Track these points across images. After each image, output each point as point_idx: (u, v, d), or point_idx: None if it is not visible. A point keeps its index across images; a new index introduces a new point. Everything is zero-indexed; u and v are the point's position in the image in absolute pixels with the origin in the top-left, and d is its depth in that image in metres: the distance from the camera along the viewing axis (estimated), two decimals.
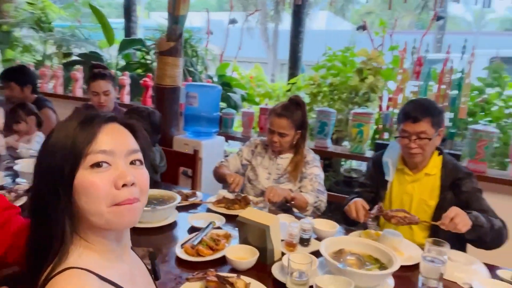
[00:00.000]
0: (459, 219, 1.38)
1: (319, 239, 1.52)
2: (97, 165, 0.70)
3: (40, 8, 5.71)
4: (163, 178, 2.33)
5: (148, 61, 4.62)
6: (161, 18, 4.58)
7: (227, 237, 1.46)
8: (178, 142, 3.00)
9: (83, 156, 0.70)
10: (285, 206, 1.93)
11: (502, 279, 1.32)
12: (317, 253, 1.38)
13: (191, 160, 2.47)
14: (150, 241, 1.46)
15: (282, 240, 1.42)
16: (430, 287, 1.16)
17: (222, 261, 1.33)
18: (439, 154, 1.71)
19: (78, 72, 4.16)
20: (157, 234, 1.56)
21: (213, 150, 2.97)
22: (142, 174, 0.75)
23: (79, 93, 4.11)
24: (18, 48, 5.69)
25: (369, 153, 2.96)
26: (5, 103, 2.91)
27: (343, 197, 2.00)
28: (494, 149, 2.73)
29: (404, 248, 1.44)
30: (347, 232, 1.63)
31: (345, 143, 3.71)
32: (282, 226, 1.41)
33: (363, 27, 4.59)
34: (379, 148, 2.83)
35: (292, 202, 1.85)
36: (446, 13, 9.64)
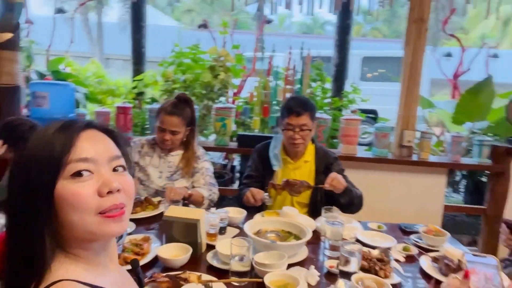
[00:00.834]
0: (338, 179, 1.76)
1: (230, 225, 1.64)
2: (79, 174, 0.67)
3: None
4: None
5: None
6: None
7: (147, 240, 1.43)
8: None
9: (62, 166, 0.66)
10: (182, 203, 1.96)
11: (371, 229, 1.74)
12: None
13: None
14: None
15: None
16: (336, 246, 1.44)
17: (152, 264, 1.31)
18: (312, 143, 2.05)
19: None
20: None
21: None
22: (127, 180, 0.73)
23: None
24: None
25: (233, 145, 3.20)
26: None
27: None
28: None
29: (301, 220, 1.70)
30: (251, 216, 1.80)
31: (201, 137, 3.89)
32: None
33: (204, 26, 4.82)
34: (243, 139, 3.12)
35: (190, 199, 1.90)
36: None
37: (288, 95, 3.23)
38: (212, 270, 1.31)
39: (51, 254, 0.67)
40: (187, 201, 1.91)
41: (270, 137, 3.09)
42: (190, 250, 1.31)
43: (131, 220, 1.64)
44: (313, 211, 1.96)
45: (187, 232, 1.35)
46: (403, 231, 1.78)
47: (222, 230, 1.55)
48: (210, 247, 1.44)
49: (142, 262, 1.28)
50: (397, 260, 1.46)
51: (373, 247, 1.49)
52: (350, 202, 1.85)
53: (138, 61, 4.63)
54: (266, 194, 1.84)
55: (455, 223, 3.99)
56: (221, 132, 3.12)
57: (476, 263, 0.97)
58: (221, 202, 2.30)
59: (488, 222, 3.19)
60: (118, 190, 0.69)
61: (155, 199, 1.85)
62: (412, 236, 1.68)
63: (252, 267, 1.25)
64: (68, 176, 0.66)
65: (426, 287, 1.27)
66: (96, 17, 10.19)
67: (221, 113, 3.10)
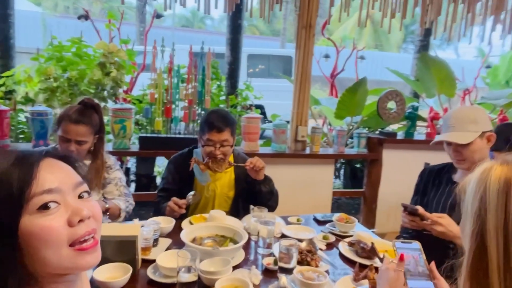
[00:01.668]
0: (258, 159, 1.85)
1: (160, 236, 1.59)
2: (45, 207, 0.64)
3: None
4: None
5: None
6: None
7: None
8: None
9: (25, 201, 0.63)
10: None
11: (291, 223, 1.89)
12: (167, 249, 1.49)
13: None
14: None
15: None
16: (270, 243, 1.54)
17: None
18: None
19: None
20: None
21: None
22: (94, 205, 0.72)
23: None
24: None
25: (134, 147, 3.04)
26: None
27: None
28: None
29: (228, 221, 1.75)
30: (178, 223, 1.76)
31: None
32: None
33: (85, 17, 4.38)
34: (144, 141, 2.99)
35: (108, 213, 1.76)
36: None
37: (187, 92, 3.20)
38: (154, 285, 1.27)
39: None
40: (104, 215, 1.77)
41: (174, 139, 3.07)
42: (129, 269, 1.24)
43: None
44: (233, 208, 2.02)
45: (124, 250, 1.27)
46: (318, 221, 1.98)
47: (154, 242, 1.50)
48: (145, 262, 1.38)
49: None
50: (320, 249, 1.62)
51: (300, 240, 1.63)
52: (270, 191, 1.95)
53: (6, 55, 3.99)
54: (190, 193, 1.82)
55: (338, 205, 4.53)
56: (121, 134, 2.94)
57: (404, 248, 1.16)
58: None
59: (366, 202, 3.72)
60: (89, 217, 0.68)
61: None
62: (327, 225, 1.88)
63: (199, 277, 1.25)
64: (34, 211, 0.63)
65: (350, 270, 1.46)
66: None
67: (119, 114, 2.91)
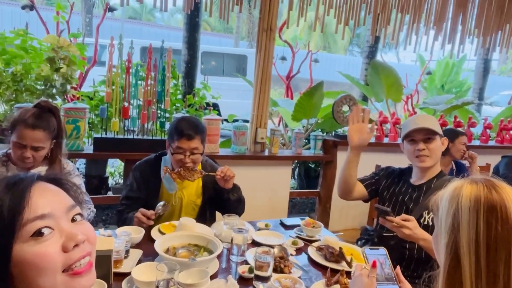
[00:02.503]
0: (228, 172, 1.85)
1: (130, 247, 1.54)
2: (39, 233, 0.63)
3: None
4: None
5: None
6: None
7: None
8: None
9: (18, 229, 0.61)
10: None
11: (260, 228, 1.92)
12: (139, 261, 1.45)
13: None
14: None
15: None
16: (244, 250, 1.55)
17: None
18: None
19: None
20: None
21: None
22: (88, 228, 0.72)
23: None
24: None
25: (89, 149, 2.90)
26: None
27: None
28: None
29: (198, 229, 1.74)
30: (147, 232, 1.71)
31: None
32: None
33: (30, 7, 4.07)
34: (100, 143, 2.86)
35: None
36: None
37: (145, 90, 3.09)
38: None
39: None
40: None
41: (131, 140, 2.96)
42: (104, 285, 1.19)
43: None
44: (201, 215, 2.01)
45: (98, 265, 1.20)
46: (285, 226, 2.03)
47: (125, 254, 1.45)
48: (116, 275, 1.33)
49: None
50: (291, 254, 1.67)
51: (271, 246, 1.66)
52: (238, 199, 1.96)
53: None
54: (160, 204, 1.78)
55: (293, 205, 4.65)
56: (74, 135, 2.78)
57: (373, 254, 1.24)
58: None
59: (321, 202, 3.86)
60: (84, 241, 0.68)
61: None
62: (294, 230, 1.93)
63: None
64: (27, 238, 0.62)
65: (321, 275, 1.52)
66: None
67: (72, 114, 2.76)
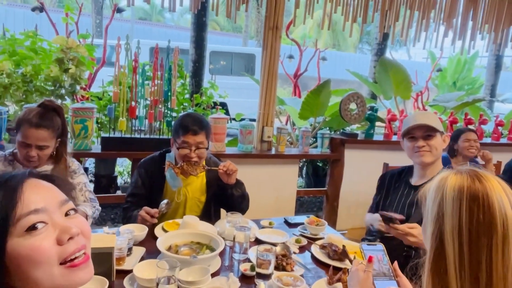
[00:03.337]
0: (231, 166, 1.85)
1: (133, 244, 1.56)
2: (33, 227, 0.64)
3: None
4: None
5: None
6: None
7: None
8: None
9: (11, 224, 0.62)
10: None
11: (264, 226, 1.92)
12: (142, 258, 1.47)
13: None
14: None
15: None
16: (246, 248, 1.55)
17: None
18: None
19: None
20: None
21: None
22: (82, 222, 0.72)
23: None
24: None
25: (96, 148, 2.93)
26: None
27: None
28: None
29: (202, 227, 1.74)
30: (151, 230, 1.72)
31: None
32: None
33: (40, 9, 4.13)
34: (107, 142, 2.89)
35: None
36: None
37: (152, 89, 3.11)
38: None
39: None
40: None
41: (138, 139, 2.99)
42: (105, 282, 1.21)
43: None
44: (206, 212, 2.02)
45: (100, 262, 1.22)
46: (289, 224, 2.02)
47: (128, 252, 1.46)
48: (119, 272, 1.35)
49: None
50: (294, 252, 1.66)
51: (274, 244, 1.66)
52: (242, 195, 1.96)
53: None
54: (163, 202, 1.80)
55: (301, 203, 4.64)
56: (82, 135, 2.82)
57: (370, 250, 1.23)
58: None
59: (329, 200, 3.84)
60: (78, 234, 0.68)
61: None
62: (298, 228, 1.93)
63: (178, 286, 1.24)
64: (22, 233, 0.63)
65: (324, 273, 1.51)
66: None
67: (80, 114, 2.79)
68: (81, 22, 4.23)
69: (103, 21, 9.84)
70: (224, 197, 1.96)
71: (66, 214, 0.71)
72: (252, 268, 1.43)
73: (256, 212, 3.04)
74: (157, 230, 1.72)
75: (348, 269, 1.41)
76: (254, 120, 3.51)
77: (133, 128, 3.26)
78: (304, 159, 4.98)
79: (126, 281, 1.29)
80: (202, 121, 1.90)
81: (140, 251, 1.51)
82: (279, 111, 4.71)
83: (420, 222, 1.62)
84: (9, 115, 3.17)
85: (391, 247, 1.36)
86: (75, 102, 3.50)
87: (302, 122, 4.25)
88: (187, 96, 4.29)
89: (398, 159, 2.71)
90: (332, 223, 3.82)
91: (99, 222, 3.61)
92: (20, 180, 0.67)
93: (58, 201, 0.70)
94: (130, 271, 1.33)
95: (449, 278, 0.78)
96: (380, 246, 1.27)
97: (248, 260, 1.54)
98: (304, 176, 5.08)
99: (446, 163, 3.14)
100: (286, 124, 4.88)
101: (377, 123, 4.44)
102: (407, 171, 1.92)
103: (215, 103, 4.37)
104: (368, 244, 1.27)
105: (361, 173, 3.73)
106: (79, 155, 3.12)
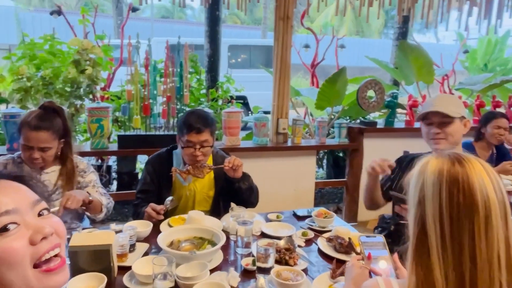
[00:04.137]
0: (236, 161, 1.82)
1: (137, 240, 1.58)
2: (4, 229, 0.64)
3: None
4: None
5: None
6: None
7: None
8: None
9: None
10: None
11: (271, 220, 1.89)
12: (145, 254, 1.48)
13: None
14: None
15: None
16: (248, 242, 1.54)
17: None
18: None
19: None
20: None
21: None
22: (56, 221, 0.72)
23: None
24: None
25: (113, 147, 2.99)
26: None
27: None
28: None
29: (207, 222, 1.74)
30: (157, 226, 1.74)
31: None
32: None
33: (58, 12, 4.25)
34: (124, 140, 2.94)
35: (90, 206, 1.71)
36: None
37: (165, 87, 3.13)
38: None
39: None
40: (85, 207, 1.71)
41: (154, 136, 3.03)
42: (104, 279, 1.23)
43: None
44: (214, 206, 2.03)
45: (97, 259, 1.25)
46: (298, 217, 1.99)
47: (131, 248, 1.48)
48: (121, 269, 1.37)
49: None
50: (299, 246, 1.63)
51: (279, 238, 1.63)
52: (250, 188, 1.94)
53: None
54: (168, 199, 1.81)
55: (322, 195, 4.57)
56: (98, 134, 2.88)
57: (369, 242, 1.18)
58: None
59: (349, 191, 3.76)
60: (51, 234, 0.68)
61: None
62: (306, 221, 1.89)
63: (176, 282, 1.25)
64: None
65: (329, 267, 1.47)
66: None
67: (96, 113, 2.85)
68: (103, 23, 4.33)
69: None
70: (232, 191, 1.95)
71: (39, 215, 0.70)
72: (254, 262, 1.41)
73: (274, 205, 3.02)
74: (163, 226, 1.73)
75: None
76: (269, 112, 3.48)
77: (152, 125, 3.32)
78: (324, 150, 4.90)
79: (125, 277, 1.30)
80: (207, 118, 1.88)
81: (143, 247, 1.53)
82: (295, 102, 4.65)
83: None
84: None
85: (404, 235, 1.31)
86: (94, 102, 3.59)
87: (319, 113, 4.17)
88: (203, 91, 4.31)
89: (420, 147, 2.61)
90: (353, 214, 3.75)
91: (122, 219, 3.70)
92: None
93: (30, 202, 0.70)
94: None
95: (432, 263, 0.76)
96: (380, 238, 1.22)
97: (251, 254, 1.52)
98: (325, 167, 5.01)
99: (505, 155, 2.99)
100: (305, 116, 4.81)
101: (399, 110, 4.29)
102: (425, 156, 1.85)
103: (231, 97, 4.36)
104: (367, 236, 1.22)
105: None
106: (97, 154, 3.21)
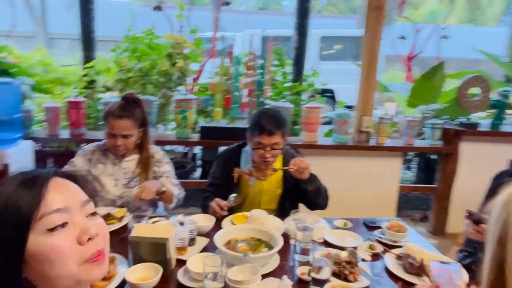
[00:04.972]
0: (302, 160, 1.76)
1: (199, 234, 1.62)
2: (54, 227, 0.66)
3: None
4: None
5: None
6: None
7: (112, 260, 1.37)
8: None
9: (33, 221, 0.65)
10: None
11: (338, 227, 1.79)
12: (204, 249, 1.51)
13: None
14: None
15: None
16: (306, 248, 1.47)
17: None
18: None
19: None
20: None
21: (23, 159, 2.49)
22: (102, 223, 0.75)
23: None
24: None
25: (194, 137, 3.14)
26: None
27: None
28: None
29: (270, 222, 1.71)
30: (219, 222, 1.77)
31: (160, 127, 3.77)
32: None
33: (158, 8, 4.57)
34: (206, 131, 3.06)
35: (162, 196, 1.80)
36: None
37: (249, 79, 3.15)
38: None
39: None
40: (158, 197, 1.81)
41: (234, 129, 3.09)
42: (160, 270, 1.28)
43: None
44: (282, 206, 1.99)
45: (156, 251, 1.31)
46: (367, 227, 1.85)
47: (191, 242, 1.53)
48: (180, 262, 1.41)
49: (110, 287, 1.24)
50: (363, 260, 1.51)
51: (342, 248, 1.53)
52: (317, 190, 1.87)
53: (88, 47, 4.34)
54: (231, 195, 1.82)
55: (408, 200, 4.22)
56: (182, 124, 3.04)
57: (441, 269, 1.03)
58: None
59: (438, 200, 3.40)
60: (97, 235, 0.70)
61: (117, 213, 1.75)
62: (376, 232, 1.75)
63: (226, 284, 1.25)
64: (43, 231, 0.65)
65: None
66: None
67: (181, 105, 3.01)
68: (202, 16, 4.52)
69: (222, 15, 10.39)
70: (299, 192, 1.89)
71: (87, 215, 0.72)
72: (310, 272, 1.35)
73: (352, 209, 2.88)
74: (225, 222, 1.75)
75: None
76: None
77: (232, 117, 3.40)
78: (411, 152, 4.50)
79: (180, 271, 1.34)
80: (279, 119, 1.84)
81: (203, 242, 1.56)
82: (385, 98, 4.33)
83: None
84: None
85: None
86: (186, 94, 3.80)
87: (411, 111, 3.82)
88: (288, 84, 4.26)
89: None
90: (441, 225, 3.38)
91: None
92: (46, 179, 0.69)
93: (80, 201, 0.72)
94: None
95: None
96: (457, 266, 1.05)
97: (309, 263, 1.45)
98: (414, 170, 4.61)
99: None
100: (394, 113, 4.46)
101: (510, 112, 3.72)
102: None
103: (316, 91, 4.24)
104: (441, 263, 1.07)
105: (480, 170, 3.17)
106: (180, 143, 3.39)
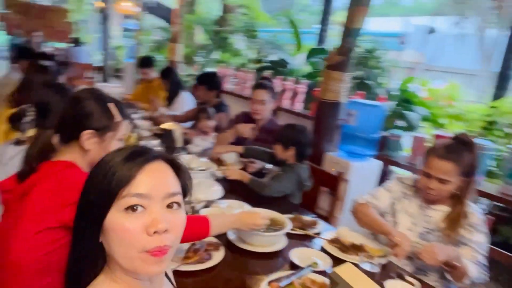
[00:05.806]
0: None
1: None
2: (132, 208, 0.68)
3: (252, 17, 6.34)
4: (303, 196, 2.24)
5: None
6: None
7: (323, 287, 1.29)
8: (328, 159, 2.88)
9: (116, 198, 0.68)
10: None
11: None
12: None
13: (334, 181, 2.30)
14: (246, 265, 1.44)
15: None
16: None
17: None
18: None
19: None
20: (255, 259, 1.46)
21: (364, 174, 2.73)
22: (178, 219, 0.72)
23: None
24: (230, 52, 6.34)
25: None
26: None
27: None
28: None
29: None
30: None
31: None
32: None
33: None
34: None
35: (451, 268, 1.48)
36: None
37: None
38: None
39: (97, 270, 0.73)
40: (444, 268, 1.51)
41: None
42: None
43: (334, 258, 1.49)
44: None
45: None
46: None
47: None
48: None
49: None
50: None
51: None
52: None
53: (501, 84, 3.87)
54: None
55: None
56: None
57: None
58: None
59: None
60: (165, 231, 0.68)
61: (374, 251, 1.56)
62: None
63: None
64: (121, 209, 0.68)
65: None
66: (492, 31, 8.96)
67: None
68: None
69: None
70: None
71: (169, 206, 0.71)
72: None
73: None
74: None
75: None
76: None
77: None
78: None
79: None
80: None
81: None
82: None
83: None
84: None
85: None
86: None
87: None
88: None
89: None
90: None
91: None
92: (146, 160, 0.71)
93: (166, 192, 0.70)
94: None
95: None
96: None
97: None
98: None
99: None
100: None
101: None
102: None
103: None
104: None
105: None
106: None
